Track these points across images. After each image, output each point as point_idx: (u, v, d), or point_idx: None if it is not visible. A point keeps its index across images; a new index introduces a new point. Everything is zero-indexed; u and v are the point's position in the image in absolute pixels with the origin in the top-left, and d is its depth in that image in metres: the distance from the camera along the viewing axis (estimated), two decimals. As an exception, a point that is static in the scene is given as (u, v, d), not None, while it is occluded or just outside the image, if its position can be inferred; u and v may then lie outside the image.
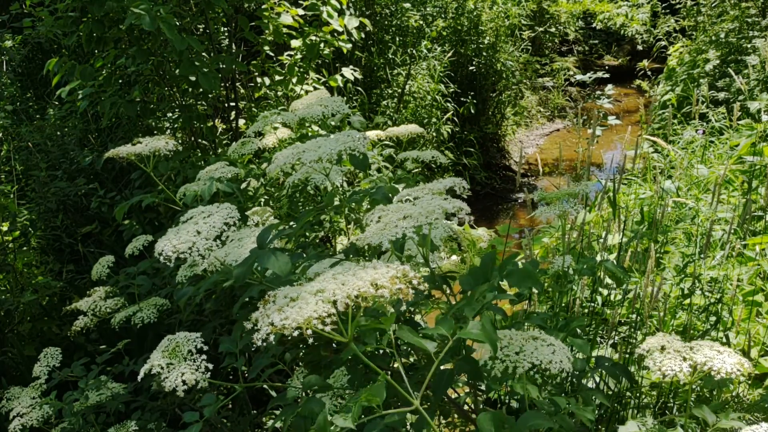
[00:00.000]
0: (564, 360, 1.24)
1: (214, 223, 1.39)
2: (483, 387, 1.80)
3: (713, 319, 2.45)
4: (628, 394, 2.20)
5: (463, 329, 1.14)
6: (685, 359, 1.29)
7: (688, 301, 2.48)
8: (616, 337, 2.48)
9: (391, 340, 1.12)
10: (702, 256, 2.41)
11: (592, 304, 2.51)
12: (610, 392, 2.17)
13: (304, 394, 1.50)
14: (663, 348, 1.35)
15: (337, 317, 0.98)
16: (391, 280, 1.02)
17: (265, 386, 1.90)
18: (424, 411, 1.10)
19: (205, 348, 1.35)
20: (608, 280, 2.51)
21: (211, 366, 1.30)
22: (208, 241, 1.35)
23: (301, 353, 1.74)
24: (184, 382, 1.26)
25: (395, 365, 1.56)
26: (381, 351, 1.45)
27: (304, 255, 1.54)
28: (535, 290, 2.02)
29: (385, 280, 1.02)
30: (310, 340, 0.96)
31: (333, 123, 2.97)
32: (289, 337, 0.97)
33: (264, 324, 0.98)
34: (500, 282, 1.31)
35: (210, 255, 1.36)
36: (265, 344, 0.97)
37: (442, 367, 1.31)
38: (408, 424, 1.39)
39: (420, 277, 1.04)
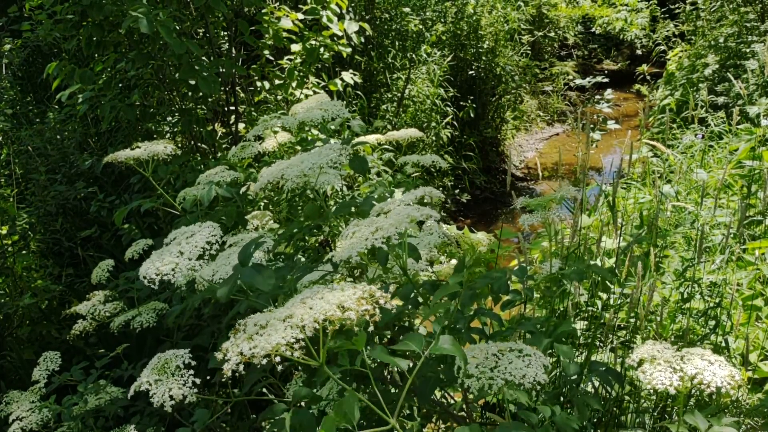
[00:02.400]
0: (538, 372, 1.27)
1: (197, 243, 1.41)
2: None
3: (712, 323, 2.45)
4: (627, 398, 2.20)
5: (434, 345, 1.16)
6: (675, 371, 1.28)
7: (687, 305, 2.48)
8: (615, 341, 2.48)
9: (364, 360, 1.13)
10: (698, 260, 2.41)
11: (592, 309, 2.51)
12: (610, 397, 2.16)
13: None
14: (654, 358, 1.34)
15: (306, 342, 0.99)
16: (357, 302, 1.03)
17: (264, 390, 1.90)
18: (399, 429, 1.10)
19: (194, 363, 1.36)
20: (607, 284, 2.50)
21: (198, 381, 1.30)
22: (190, 261, 1.37)
23: (302, 357, 1.74)
24: (171, 397, 1.26)
25: (386, 374, 1.56)
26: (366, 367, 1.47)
27: (298, 262, 1.55)
28: (534, 294, 2.03)
29: (352, 302, 1.03)
30: (279, 367, 0.97)
31: (333, 127, 2.97)
32: (258, 366, 0.98)
33: (233, 354, 0.99)
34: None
35: (193, 274, 1.38)
36: (236, 375, 0.98)
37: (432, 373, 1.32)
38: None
39: (387, 296, 1.05)
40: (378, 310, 1.02)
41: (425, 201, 1.49)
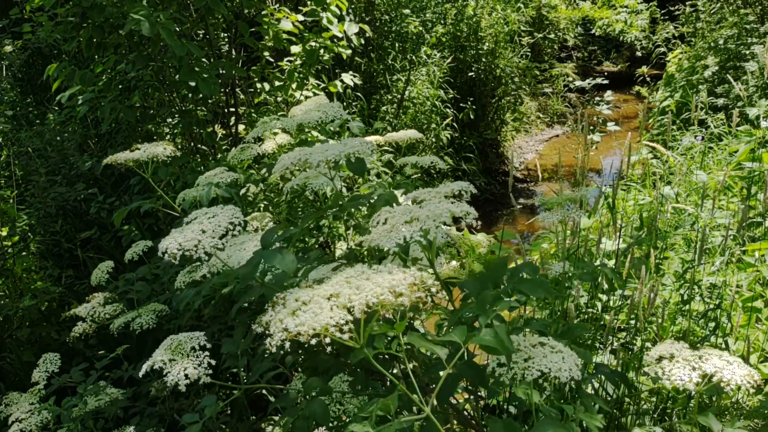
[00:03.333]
0: (573, 368, 1.22)
1: (219, 223, 1.38)
2: (482, 393, 1.80)
3: (712, 325, 2.45)
4: (627, 400, 2.20)
5: (476, 336, 1.11)
6: (694, 369, 1.28)
7: (687, 307, 2.48)
8: (615, 343, 2.48)
9: (400, 345, 1.10)
10: (698, 263, 2.41)
11: (592, 310, 2.51)
12: (609, 398, 2.16)
13: (304, 398, 1.50)
14: (672, 356, 1.34)
15: (353, 324, 0.96)
16: (410, 287, 0.99)
17: (264, 392, 1.90)
18: (434, 418, 1.08)
19: (208, 346, 1.35)
20: (607, 286, 2.51)
21: (213, 362, 1.29)
22: (213, 239, 1.33)
23: (301, 358, 1.74)
24: (186, 376, 1.25)
25: (396, 371, 1.56)
26: (384, 356, 1.44)
27: (306, 257, 1.54)
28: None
29: (404, 287, 0.99)
30: (329, 349, 0.92)
31: (332, 128, 2.98)
32: (306, 344, 0.93)
33: (277, 329, 0.95)
34: (510, 290, 1.31)
35: (215, 252, 1.34)
36: (281, 351, 0.95)
37: (442, 372, 1.31)
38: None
39: (438, 284, 1.01)
40: (429, 298, 0.99)
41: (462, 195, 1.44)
